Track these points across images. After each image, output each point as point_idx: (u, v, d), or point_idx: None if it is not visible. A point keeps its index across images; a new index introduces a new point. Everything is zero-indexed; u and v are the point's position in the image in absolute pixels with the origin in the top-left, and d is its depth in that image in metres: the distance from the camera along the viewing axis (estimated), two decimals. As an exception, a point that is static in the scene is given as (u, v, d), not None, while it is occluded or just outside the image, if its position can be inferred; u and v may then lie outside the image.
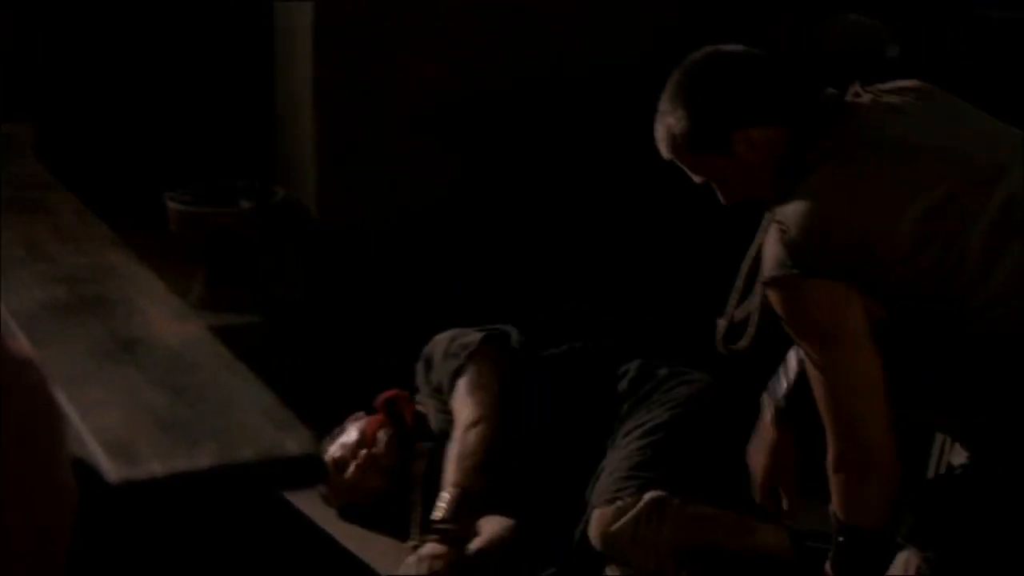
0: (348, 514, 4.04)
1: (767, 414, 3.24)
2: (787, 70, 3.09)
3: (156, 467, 1.85)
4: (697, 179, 3.09)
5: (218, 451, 1.88)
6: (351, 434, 4.10)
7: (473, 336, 4.00)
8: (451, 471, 3.70)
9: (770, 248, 2.87)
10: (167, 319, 2.41)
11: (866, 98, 3.01)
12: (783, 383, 3.21)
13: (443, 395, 3.96)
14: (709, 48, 3.09)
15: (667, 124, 3.05)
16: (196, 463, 1.86)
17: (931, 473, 3.18)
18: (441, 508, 3.64)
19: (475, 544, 3.73)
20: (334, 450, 4.08)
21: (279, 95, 5.30)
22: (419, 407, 4.11)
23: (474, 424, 3.81)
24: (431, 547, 3.55)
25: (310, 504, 3.74)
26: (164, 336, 2.32)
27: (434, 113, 5.03)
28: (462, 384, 3.91)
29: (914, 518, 2.97)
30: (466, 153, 5.08)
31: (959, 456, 3.01)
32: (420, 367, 4.08)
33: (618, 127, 5.22)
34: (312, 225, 5.03)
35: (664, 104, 3.06)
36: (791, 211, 2.85)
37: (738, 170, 3.02)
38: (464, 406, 3.87)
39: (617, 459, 3.70)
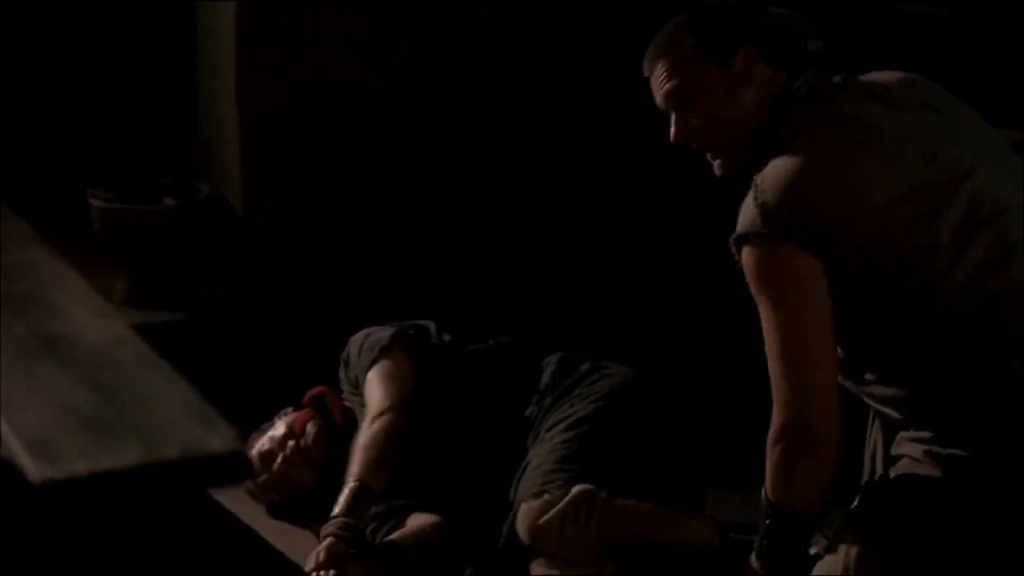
0: (277, 511, 4.03)
1: None
2: (797, 29, 3.07)
3: (79, 466, 1.84)
4: (668, 88, 3.02)
5: (142, 449, 1.86)
6: (279, 428, 4.09)
7: (386, 332, 4.01)
8: (353, 463, 3.71)
9: (745, 209, 2.88)
10: (90, 317, 2.39)
11: (850, 81, 3.02)
12: None
13: (360, 391, 3.97)
14: None
15: (676, 21, 3.04)
16: (120, 462, 1.85)
17: (865, 471, 3.16)
18: (339, 502, 3.64)
19: (391, 537, 3.74)
20: (262, 444, 4.07)
21: (203, 93, 5.28)
22: (346, 403, 4.11)
23: (379, 416, 3.81)
24: (328, 541, 3.55)
25: (238, 501, 3.72)
26: (86, 334, 2.30)
27: (358, 110, 5.03)
28: (372, 377, 3.92)
29: (858, 512, 2.96)
30: (390, 150, 5.08)
31: (903, 449, 2.99)
32: (341, 366, 4.09)
33: (541, 123, 5.24)
34: (236, 222, 5.01)
35: (670, 24, 3.05)
36: (769, 173, 2.86)
37: (723, 92, 2.99)
38: (371, 398, 3.88)
39: (543, 453, 3.70)
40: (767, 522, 2.96)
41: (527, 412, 3.88)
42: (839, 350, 2.91)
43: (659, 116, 3.11)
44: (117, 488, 1.85)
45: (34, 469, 1.84)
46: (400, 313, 4.25)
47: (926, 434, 2.91)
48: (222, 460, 1.88)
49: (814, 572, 2.97)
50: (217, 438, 1.89)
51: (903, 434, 2.98)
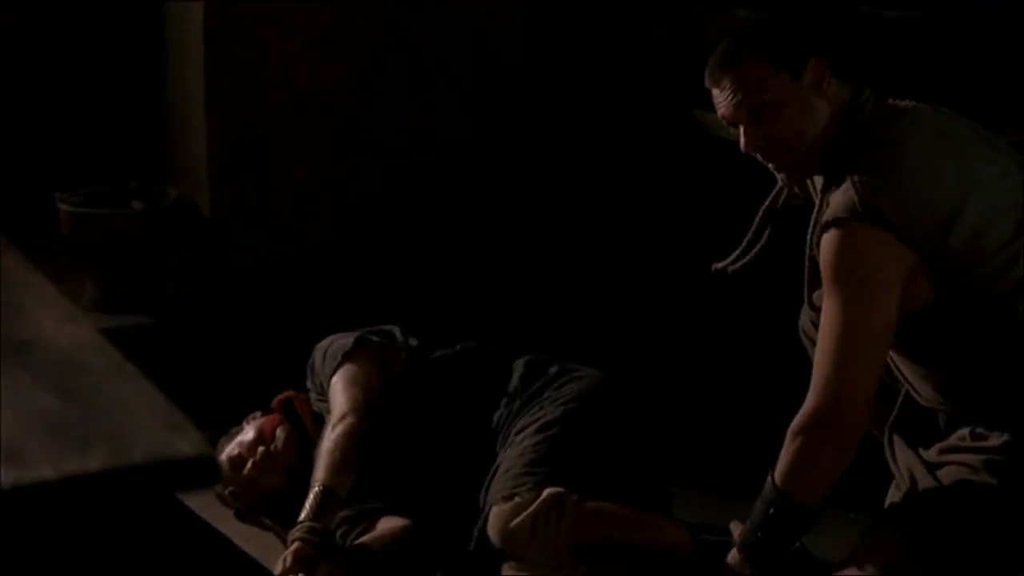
0: (246, 515, 4.03)
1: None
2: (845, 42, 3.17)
3: (47, 470, 1.84)
4: (741, 97, 3.04)
5: (109, 453, 1.87)
6: (248, 433, 4.09)
7: (350, 338, 4.01)
8: (317, 468, 3.71)
9: (840, 196, 2.90)
10: (57, 322, 2.39)
11: (904, 103, 3.07)
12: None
13: (327, 397, 3.97)
14: None
15: (755, 33, 3.10)
16: (87, 466, 1.85)
17: (902, 476, 3.15)
18: (305, 507, 3.64)
19: (361, 540, 3.74)
20: (231, 448, 4.06)
21: (171, 96, 5.27)
22: (316, 407, 4.10)
23: (341, 420, 3.81)
24: (295, 546, 3.55)
25: (207, 506, 3.72)
26: (54, 339, 2.30)
27: (327, 112, 5.02)
28: (336, 382, 3.92)
29: (901, 513, 2.99)
30: (360, 152, 5.08)
31: (951, 457, 3.00)
32: (307, 373, 4.10)
33: (512, 120, 5.24)
34: (205, 225, 5.00)
35: (739, 39, 3.08)
36: (864, 167, 2.90)
37: (795, 103, 3.01)
38: (335, 403, 3.88)
39: (513, 456, 3.70)
40: (770, 511, 2.97)
41: (495, 415, 3.88)
42: (915, 362, 2.95)
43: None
44: (85, 492, 1.85)
45: (2, 474, 1.84)
46: (369, 316, 4.25)
47: (987, 443, 2.93)
48: (190, 464, 1.88)
49: (847, 566, 2.99)
50: (185, 442, 1.90)
51: (945, 443, 3.00)
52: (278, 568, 3.52)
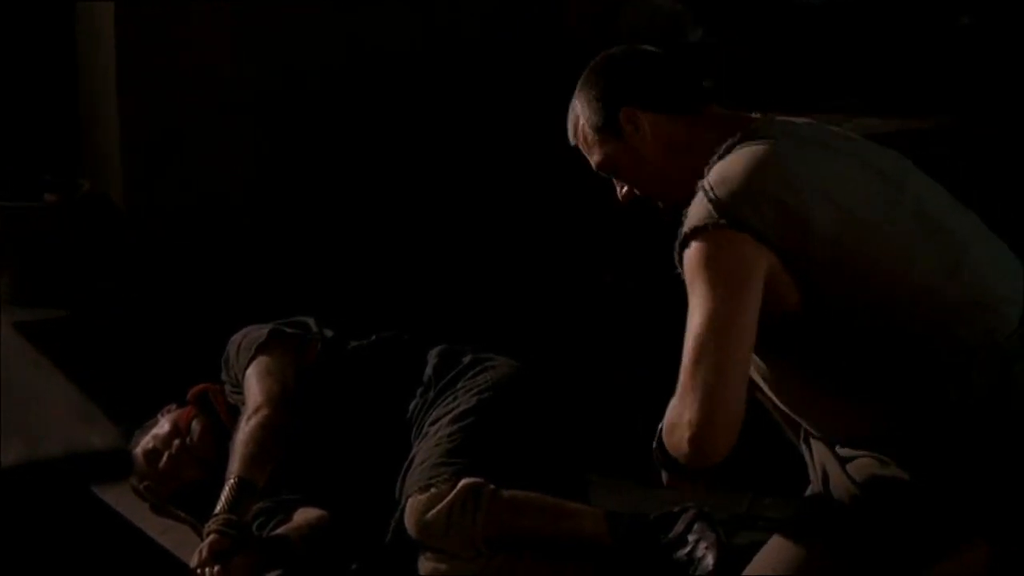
0: (161, 508, 4.01)
1: None
2: (688, 67, 3.16)
3: (-40, 465, 1.83)
4: (593, 165, 3.12)
5: (23, 447, 1.86)
6: (164, 426, 4.07)
7: (263, 330, 4.01)
8: (232, 460, 3.71)
9: (695, 208, 2.88)
10: (-31, 316, 2.38)
11: (758, 115, 3.08)
12: None
13: (241, 390, 3.97)
14: (622, 46, 3.18)
15: (573, 105, 3.13)
16: (2, 460, 1.84)
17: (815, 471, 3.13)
18: (220, 499, 3.63)
19: (278, 531, 3.74)
20: (146, 441, 4.04)
21: (83, 88, 5.23)
22: (231, 399, 4.09)
23: (255, 412, 3.81)
24: (210, 538, 3.54)
25: (123, 499, 3.71)
26: (-34, 333, 2.29)
27: (240, 104, 5.01)
28: (250, 374, 3.92)
29: (814, 506, 3.01)
30: (273, 144, 5.07)
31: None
32: (223, 367, 4.09)
33: (427, 113, 5.24)
34: (119, 218, 4.98)
35: (577, 88, 3.14)
36: (715, 173, 2.89)
37: (629, 157, 3.05)
38: (249, 395, 3.88)
39: (428, 447, 3.70)
40: (654, 445, 2.96)
41: (410, 405, 3.88)
42: (779, 368, 2.93)
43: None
44: (-1, 486, 1.85)
45: (-85, 469, 1.82)
46: (285, 308, 4.25)
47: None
48: (104, 457, 1.88)
49: (759, 558, 3.01)
50: (99, 436, 1.89)
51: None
52: (194, 560, 3.51)
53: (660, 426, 2.96)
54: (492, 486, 3.56)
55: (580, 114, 3.11)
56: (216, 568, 3.51)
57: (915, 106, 4.59)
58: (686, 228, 2.88)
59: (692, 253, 2.86)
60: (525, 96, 5.19)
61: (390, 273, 5.20)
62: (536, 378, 3.94)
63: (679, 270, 2.94)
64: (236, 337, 4.07)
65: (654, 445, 3.00)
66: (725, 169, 2.89)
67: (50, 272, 4.92)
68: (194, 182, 5.01)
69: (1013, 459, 2.88)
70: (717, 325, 2.81)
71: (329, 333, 4.12)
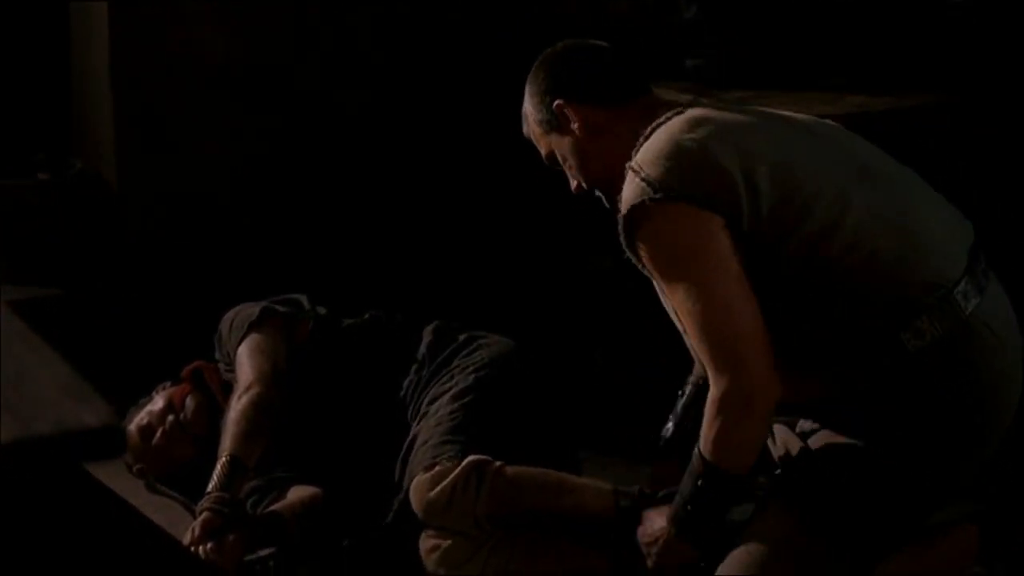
0: (155, 486, 4.02)
1: None
2: (626, 58, 3.19)
3: (-48, 443, 1.83)
4: (543, 156, 3.20)
5: (15, 425, 1.86)
6: (158, 402, 4.08)
7: (255, 307, 4.01)
8: (224, 438, 3.71)
9: (628, 189, 2.91)
10: (-39, 294, 2.38)
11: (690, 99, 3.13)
12: (669, 424, 3.29)
13: (234, 367, 3.97)
14: (567, 40, 3.24)
15: (524, 103, 3.21)
16: (-7, 438, 1.84)
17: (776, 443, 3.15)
18: (213, 477, 3.64)
19: (271, 508, 3.75)
20: (140, 418, 4.05)
21: (75, 67, 5.23)
22: (225, 377, 4.10)
23: (247, 390, 3.81)
24: (203, 516, 3.55)
25: (116, 476, 3.72)
26: (-42, 311, 2.29)
27: (231, 83, 5.00)
28: (242, 352, 3.92)
29: (786, 479, 3.00)
30: (265, 121, 5.07)
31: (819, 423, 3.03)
32: (215, 344, 4.09)
33: (416, 93, 5.24)
34: (111, 196, 4.98)
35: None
36: (641, 152, 2.93)
37: (569, 149, 3.12)
38: (241, 373, 3.88)
39: (430, 426, 3.69)
40: (699, 483, 2.95)
41: (404, 383, 3.89)
42: None
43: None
44: (-10, 464, 1.85)
45: (-94, 447, 1.83)
46: (277, 286, 4.25)
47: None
48: (96, 435, 1.88)
49: (736, 548, 3.01)
50: (91, 413, 1.90)
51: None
52: (187, 538, 3.52)
53: (683, 489, 2.99)
54: (497, 463, 3.56)
55: (527, 109, 3.20)
56: (209, 545, 3.52)
57: (906, 84, 4.58)
58: (623, 209, 2.91)
59: (642, 235, 2.89)
60: (516, 78, 5.19)
61: (383, 253, 5.20)
62: (530, 356, 3.95)
63: (629, 254, 2.97)
64: (229, 315, 4.07)
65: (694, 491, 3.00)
66: (649, 148, 2.93)
67: (42, 250, 4.92)
68: (187, 160, 5.00)
69: (973, 403, 2.90)
70: (708, 300, 2.83)
71: (322, 311, 4.12)
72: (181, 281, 4.97)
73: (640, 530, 3.20)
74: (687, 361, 3.31)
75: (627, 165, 2.93)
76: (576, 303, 4.96)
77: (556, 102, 3.10)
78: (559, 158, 3.16)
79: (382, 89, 5.19)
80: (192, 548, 3.49)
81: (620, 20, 5.08)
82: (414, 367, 3.91)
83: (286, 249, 5.08)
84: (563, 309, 5.01)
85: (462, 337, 3.94)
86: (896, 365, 2.86)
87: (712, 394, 2.88)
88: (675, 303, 2.90)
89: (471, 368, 3.82)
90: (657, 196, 2.84)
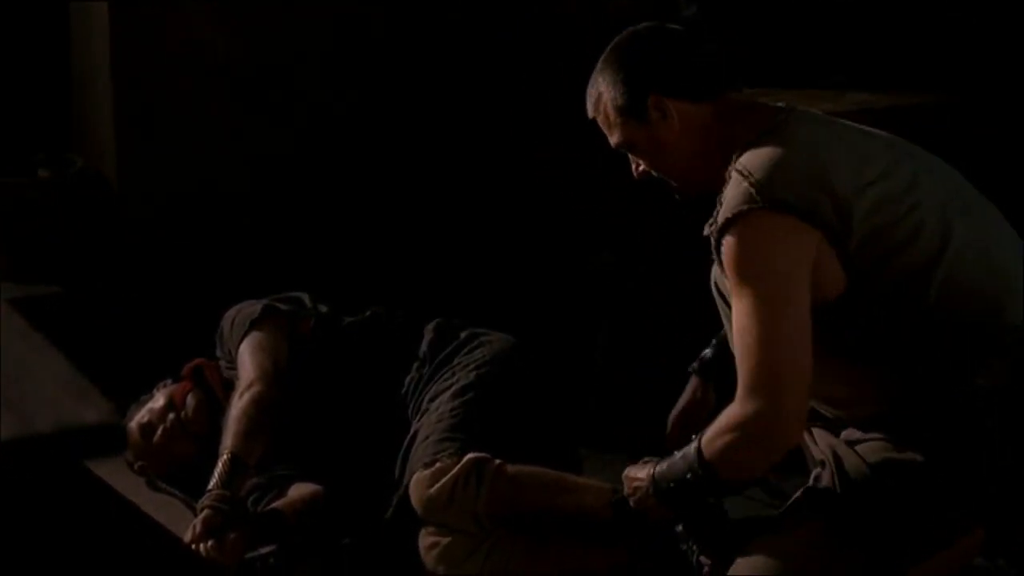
0: (156, 483, 4.02)
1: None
2: (712, 50, 3.11)
3: (-48, 440, 1.83)
4: (612, 143, 3.11)
5: (15, 423, 1.86)
6: (159, 400, 4.08)
7: (257, 305, 4.02)
8: (225, 436, 3.71)
9: (732, 192, 2.85)
10: (-39, 291, 2.38)
11: (778, 102, 3.06)
12: (708, 351, 3.30)
13: (235, 366, 3.97)
14: (647, 23, 3.14)
15: (596, 82, 3.09)
16: (-6, 435, 1.84)
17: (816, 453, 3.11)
18: (213, 475, 3.64)
19: (272, 506, 3.75)
20: (141, 416, 4.06)
21: (76, 65, 5.23)
22: (226, 375, 4.10)
23: (248, 388, 3.81)
24: (204, 514, 3.55)
25: (117, 474, 3.71)
26: (-41, 308, 2.29)
27: (231, 80, 5.00)
28: (243, 349, 3.93)
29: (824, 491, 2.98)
30: (265, 118, 5.07)
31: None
32: (216, 342, 4.09)
33: (416, 87, 5.24)
34: (112, 194, 4.98)
35: (600, 64, 3.11)
36: (751, 158, 2.87)
37: (651, 141, 3.04)
38: (242, 371, 3.88)
39: (431, 423, 3.70)
40: (688, 476, 2.93)
41: (406, 380, 3.89)
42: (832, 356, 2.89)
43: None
44: (-9, 462, 1.85)
45: (-93, 444, 1.83)
46: (278, 283, 4.25)
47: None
48: (96, 432, 1.88)
49: (760, 542, 3.01)
50: (91, 410, 1.89)
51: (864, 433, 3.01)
52: (188, 536, 3.52)
53: (677, 467, 2.97)
54: (497, 461, 3.56)
55: (603, 92, 3.08)
56: (210, 543, 3.52)
57: (907, 82, 4.59)
58: (726, 213, 2.84)
59: (734, 240, 2.82)
60: (517, 72, 5.19)
61: (384, 251, 5.20)
62: (531, 353, 3.95)
63: (715, 257, 2.92)
64: (230, 313, 4.07)
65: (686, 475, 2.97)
66: (760, 154, 2.86)
67: (43, 248, 4.92)
68: (187, 158, 5.01)
69: None
70: (776, 322, 2.78)
71: (323, 308, 4.12)
72: (181, 279, 4.97)
73: (630, 469, 3.17)
74: (687, 360, 3.31)
75: (733, 167, 2.87)
76: (577, 301, 4.96)
77: (651, 94, 3.01)
78: (633, 146, 3.07)
79: (382, 87, 5.19)
80: (193, 546, 3.50)
81: (620, 19, 5.07)
82: (415, 364, 3.91)
83: (287, 247, 5.08)
84: (564, 307, 5.02)
85: (463, 334, 3.94)
86: (962, 398, 2.84)
87: (735, 410, 2.83)
88: (738, 311, 2.84)
89: (472, 365, 3.83)
90: (762, 204, 2.80)
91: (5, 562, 2.01)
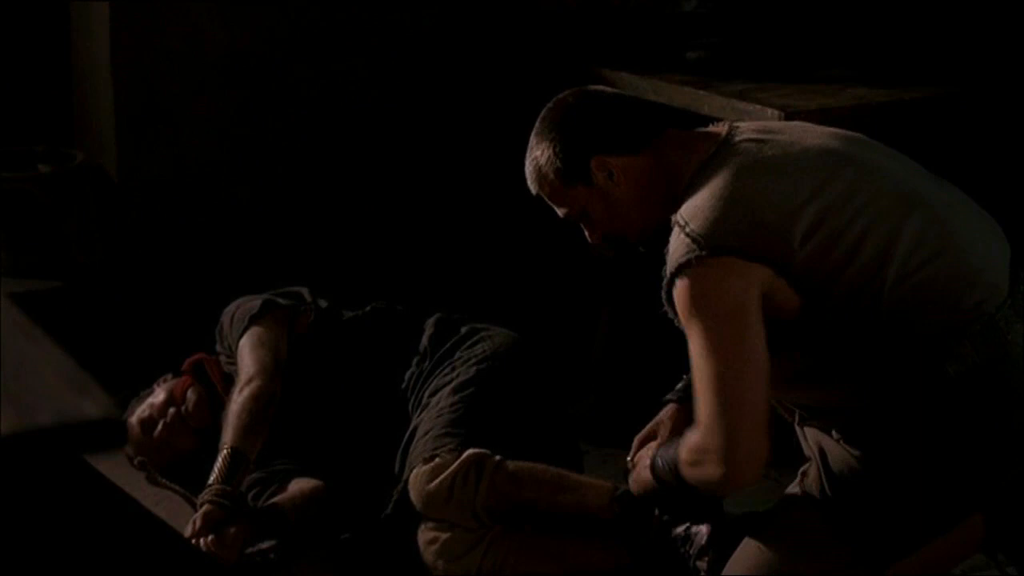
0: (156, 478, 4.02)
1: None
2: (648, 104, 3.22)
3: (-48, 434, 1.83)
4: (562, 214, 3.14)
5: (15, 416, 1.86)
6: (159, 395, 4.09)
7: (257, 300, 4.02)
8: (225, 431, 3.72)
9: (674, 245, 2.88)
10: (-38, 286, 2.38)
11: (725, 127, 3.07)
12: (681, 383, 3.30)
13: (235, 360, 3.97)
14: (570, 90, 3.16)
15: (534, 157, 3.12)
16: (-6, 429, 1.84)
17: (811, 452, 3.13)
18: (214, 470, 3.65)
19: (272, 501, 3.75)
20: (142, 410, 4.06)
21: (76, 60, 5.22)
22: (226, 370, 4.10)
23: (248, 383, 3.82)
24: (204, 509, 3.56)
25: (117, 468, 3.71)
26: (-41, 303, 2.29)
27: (233, 74, 5.00)
28: (243, 344, 3.93)
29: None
30: (266, 113, 5.06)
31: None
32: (216, 337, 4.10)
33: (416, 81, 5.24)
34: (112, 188, 4.98)
35: (532, 140, 3.13)
36: (685, 208, 2.89)
37: (601, 201, 3.06)
38: (242, 366, 3.89)
39: (431, 418, 3.70)
40: (673, 481, 2.98)
41: (406, 375, 3.89)
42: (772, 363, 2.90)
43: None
44: (-9, 456, 1.85)
45: (-93, 438, 1.83)
46: (278, 278, 4.25)
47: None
48: (96, 426, 1.88)
49: (758, 534, 3.03)
50: (91, 404, 1.89)
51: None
52: (188, 531, 3.53)
53: (665, 461, 2.99)
54: (497, 457, 3.56)
55: (543, 165, 3.10)
56: (210, 538, 3.53)
57: (907, 77, 4.59)
58: (670, 267, 2.88)
59: (682, 291, 2.86)
60: (516, 73, 5.19)
61: (384, 245, 5.20)
62: (532, 348, 3.95)
63: (666, 309, 2.95)
64: (230, 308, 4.07)
65: (656, 471, 3.03)
66: (695, 201, 2.89)
67: (44, 243, 4.93)
68: (187, 153, 5.00)
69: (1007, 428, 2.89)
70: (729, 362, 2.80)
71: (323, 303, 4.12)
72: (182, 273, 4.97)
73: (640, 449, 3.23)
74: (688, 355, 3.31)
75: (672, 218, 2.90)
76: (577, 295, 4.96)
77: (593, 157, 3.04)
78: (584, 213, 3.10)
79: (383, 83, 5.18)
80: (193, 540, 3.51)
81: (621, 12, 5.08)
82: (415, 359, 3.91)
83: (287, 241, 5.08)
84: (565, 302, 5.01)
85: (464, 329, 3.95)
86: (935, 388, 2.86)
87: (696, 439, 2.87)
88: (693, 354, 2.87)
89: (473, 360, 3.83)
90: (703, 253, 2.82)
91: (5, 557, 2.01)
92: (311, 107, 5.12)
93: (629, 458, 3.25)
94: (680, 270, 2.85)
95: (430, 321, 4.00)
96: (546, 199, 3.14)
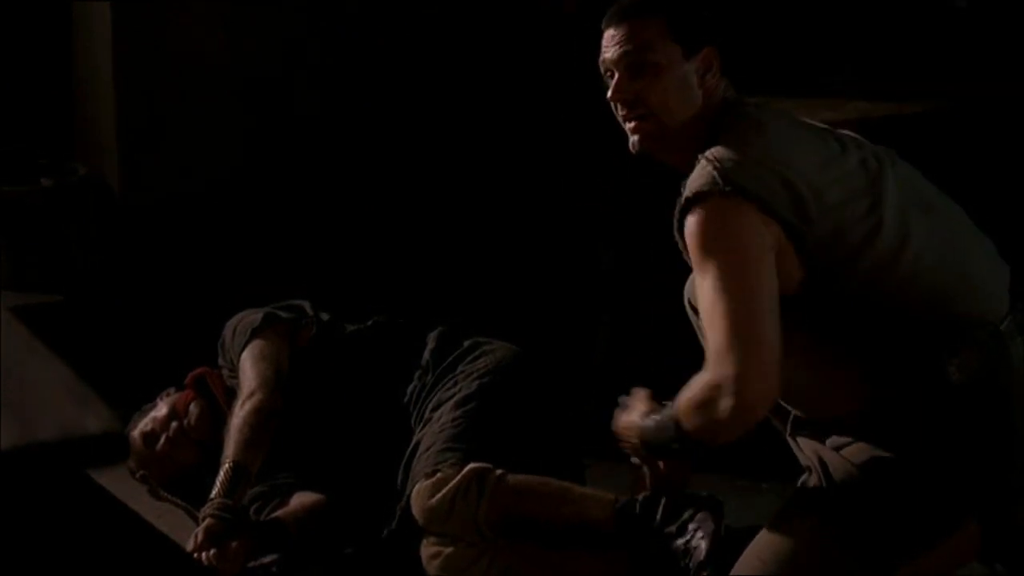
0: (159, 491, 4.02)
1: None
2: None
3: (-46, 448, 1.83)
4: (618, 55, 3.01)
5: (18, 430, 1.86)
6: (161, 409, 4.08)
7: (258, 314, 4.02)
8: (227, 445, 3.72)
9: (697, 175, 2.86)
10: (-36, 300, 2.38)
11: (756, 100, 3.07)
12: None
13: (237, 374, 3.97)
14: None
15: (649, 8, 3.03)
16: (-4, 443, 1.84)
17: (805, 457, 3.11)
18: (216, 484, 3.65)
19: (275, 515, 3.75)
20: (145, 424, 4.05)
21: (78, 73, 5.23)
22: (228, 383, 4.10)
23: (249, 396, 3.82)
24: (206, 523, 3.56)
25: (119, 482, 3.72)
26: (-39, 317, 2.29)
27: (235, 87, 5.01)
28: (245, 358, 3.93)
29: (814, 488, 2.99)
30: (267, 126, 5.07)
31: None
32: (219, 351, 4.10)
33: (416, 93, 5.25)
34: (115, 201, 4.98)
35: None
36: (720, 145, 2.88)
37: (676, 81, 2.99)
38: (244, 380, 3.89)
39: (433, 433, 3.70)
40: (669, 435, 2.94)
41: (408, 389, 3.89)
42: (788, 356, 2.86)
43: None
44: (-7, 470, 1.85)
45: (-91, 452, 1.83)
46: (281, 292, 4.25)
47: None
48: (98, 441, 1.88)
49: (758, 541, 3.02)
50: (93, 418, 1.90)
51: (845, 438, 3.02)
52: (190, 545, 3.52)
53: (662, 417, 2.98)
54: (498, 471, 3.56)
55: (657, 10, 3.01)
56: (212, 552, 3.53)
57: (907, 91, 4.59)
58: (688, 193, 2.85)
59: (698, 223, 2.84)
60: (517, 78, 5.20)
61: (386, 258, 5.21)
62: (534, 362, 3.94)
63: (677, 238, 2.93)
64: (232, 321, 4.07)
65: (652, 424, 3.01)
66: (729, 143, 2.89)
67: (46, 256, 4.93)
68: (189, 166, 5.01)
69: (1006, 437, 2.90)
70: (743, 299, 2.79)
71: (325, 317, 4.12)
72: (184, 287, 4.97)
73: (620, 412, 3.21)
74: (691, 368, 3.31)
75: (701, 155, 2.89)
76: (577, 303, 4.96)
77: (710, 46, 2.99)
78: (647, 67, 2.99)
79: (384, 92, 5.19)
80: (195, 555, 3.50)
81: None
82: (418, 373, 3.91)
83: (289, 254, 5.08)
84: (563, 309, 5.01)
85: (466, 343, 3.94)
86: (937, 395, 2.86)
87: (704, 377, 2.83)
88: (705, 289, 2.84)
89: (475, 375, 3.83)
90: (727, 189, 2.82)
91: (7, 569, 2.01)
92: (313, 121, 5.13)
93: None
94: (698, 199, 2.83)
95: (432, 335, 3.99)
96: (624, 30, 3.02)
